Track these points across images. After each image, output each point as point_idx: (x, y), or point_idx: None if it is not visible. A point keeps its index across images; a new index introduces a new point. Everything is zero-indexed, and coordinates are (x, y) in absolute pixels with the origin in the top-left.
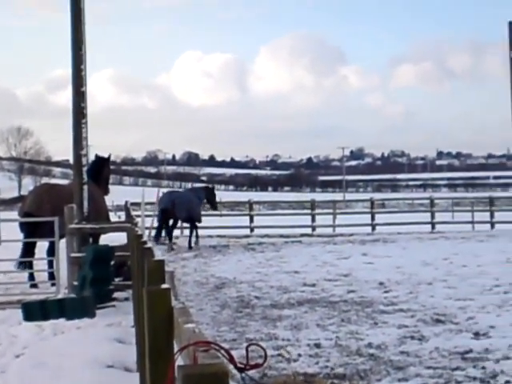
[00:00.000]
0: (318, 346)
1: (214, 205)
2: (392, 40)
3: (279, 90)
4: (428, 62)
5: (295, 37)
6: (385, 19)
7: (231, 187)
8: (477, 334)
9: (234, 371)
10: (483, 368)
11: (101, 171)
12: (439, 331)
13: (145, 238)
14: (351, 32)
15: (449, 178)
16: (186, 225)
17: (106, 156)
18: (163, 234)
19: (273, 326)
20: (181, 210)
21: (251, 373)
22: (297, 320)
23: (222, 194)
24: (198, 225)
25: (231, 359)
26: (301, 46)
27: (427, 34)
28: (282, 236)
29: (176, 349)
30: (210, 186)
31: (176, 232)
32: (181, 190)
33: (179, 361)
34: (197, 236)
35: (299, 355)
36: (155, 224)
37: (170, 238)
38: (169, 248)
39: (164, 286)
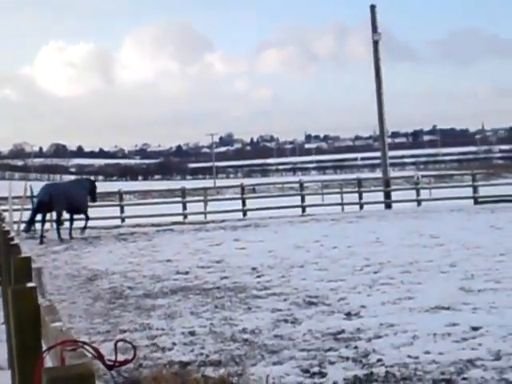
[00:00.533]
0: (192, 333)
1: (94, 197)
2: (257, 26)
3: (145, 78)
4: (293, 46)
5: (161, 24)
6: (249, 5)
7: (101, 178)
8: (348, 315)
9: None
10: (355, 348)
11: None
12: (312, 313)
13: (13, 233)
14: (216, 19)
15: (317, 161)
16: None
17: None
18: (37, 226)
19: (147, 315)
20: (59, 202)
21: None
22: (171, 309)
23: None
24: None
25: (100, 357)
26: (166, 33)
27: (291, 18)
28: (153, 225)
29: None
30: (92, 178)
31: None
32: (64, 181)
33: (47, 360)
34: (85, 227)
35: (174, 344)
36: (24, 218)
37: (42, 231)
38: (40, 240)
39: (30, 284)
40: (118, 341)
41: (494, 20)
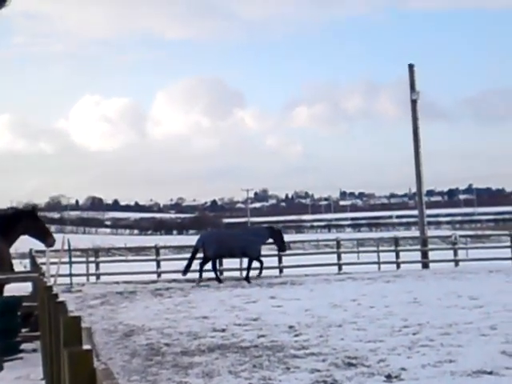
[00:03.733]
0: None
1: (281, 247)
2: (287, 83)
3: (178, 133)
4: (323, 103)
5: (192, 80)
6: (278, 63)
7: (136, 231)
8: (389, 377)
9: None
10: None
11: (12, 223)
12: (351, 375)
13: (55, 289)
14: (248, 75)
15: (352, 218)
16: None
17: (27, 208)
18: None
19: (184, 373)
20: (209, 247)
21: None
22: (208, 367)
23: (127, 239)
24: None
25: None
26: (198, 89)
27: (321, 75)
28: (189, 281)
29: None
30: (275, 227)
31: (82, 279)
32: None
33: None
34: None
35: None
36: (60, 271)
37: (200, 275)
38: (197, 282)
39: (86, 346)
40: None
41: None
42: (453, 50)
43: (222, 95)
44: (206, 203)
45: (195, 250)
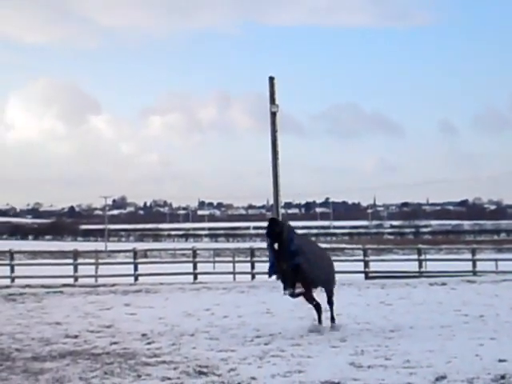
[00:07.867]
0: None
1: None
2: (143, 91)
3: (33, 137)
4: (178, 113)
5: (47, 85)
6: (135, 71)
7: None
8: None
9: None
10: None
11: None
12: (202, 383)
13: None
14: (104, 82)
15: (210, 228)
16: None
17: None
18: None
19: (34, 379)
20: None
21: None
22: (59, 373)
23: None
24: None
25: None
26: (53, 94)
27: (177, 85)
28: (43, 286)
29: None
30: None
31: None
32: None
33: None
34: None
35: None
36: None
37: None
38: None
39: None
40: None
41: (374, 97)
42: (310, 65)
43: (77, 101)
44: (63, 209)
45: None
